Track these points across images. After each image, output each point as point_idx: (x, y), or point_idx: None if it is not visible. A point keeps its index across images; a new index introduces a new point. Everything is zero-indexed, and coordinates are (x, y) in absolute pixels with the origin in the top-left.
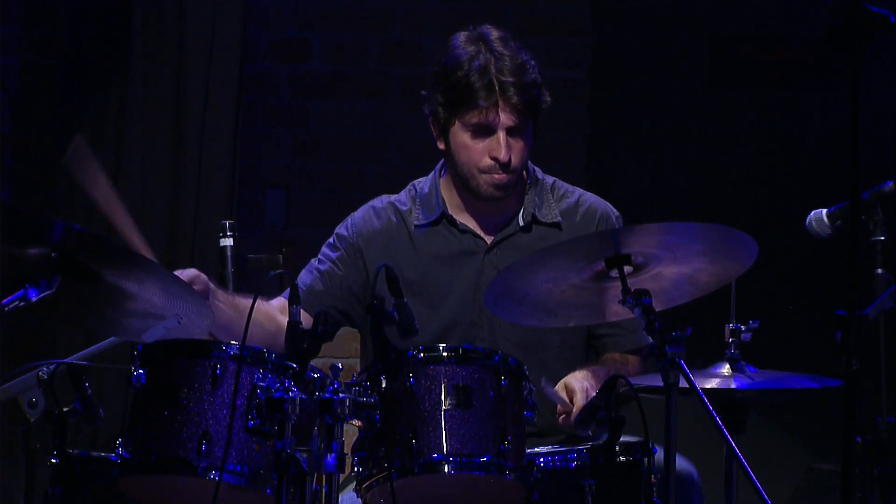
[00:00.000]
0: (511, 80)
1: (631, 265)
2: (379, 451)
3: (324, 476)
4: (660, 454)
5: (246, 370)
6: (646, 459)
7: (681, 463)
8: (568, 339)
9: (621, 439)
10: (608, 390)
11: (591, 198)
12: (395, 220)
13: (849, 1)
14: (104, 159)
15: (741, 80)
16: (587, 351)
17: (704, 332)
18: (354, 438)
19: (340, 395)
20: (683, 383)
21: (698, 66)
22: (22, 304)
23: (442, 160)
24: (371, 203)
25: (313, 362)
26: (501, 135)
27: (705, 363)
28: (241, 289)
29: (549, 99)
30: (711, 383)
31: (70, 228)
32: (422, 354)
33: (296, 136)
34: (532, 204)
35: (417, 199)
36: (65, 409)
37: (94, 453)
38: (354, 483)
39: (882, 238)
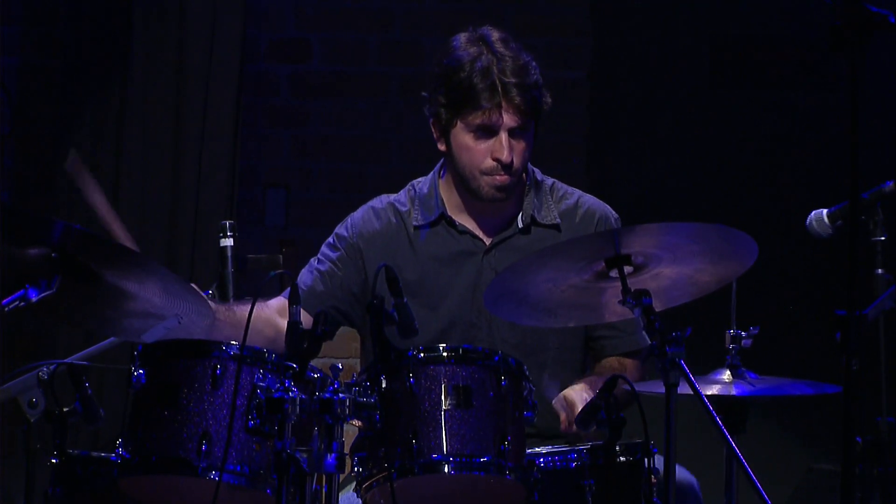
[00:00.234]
0: (514, 80)
1: (631, 265)
2: (379, 452)
3: (324, 476)
4: (659, 455)
5: (246, 370)
6: (646, 460)
7: (682, 474)
8: (566, 341)
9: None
10: (608, 390)
11: (590, 199)
12: (394, 220)
13: (849, 1)
14: (104, 159)
15: (741, 80)
16: (585, 352)
17: (705, 338)
18: (354, 438)
19: (340, 395)
20: (683, 386)
21: (698, 66)
22: (22, 304)
23: (441, 160)
24: (370, 203)
25: (313, 362)
26: (504, 136)
27: (706, 369)
28: (241, 289)
29: (550, 100)
30: (712, 390)
31: (70, 228)
32: (422, 354)
33: (296, 136)
34: (531, 205)
35: (416, 200)
36: (65, 409)
37: (94, 453)
38: (354, 483)
39: (882, 238)
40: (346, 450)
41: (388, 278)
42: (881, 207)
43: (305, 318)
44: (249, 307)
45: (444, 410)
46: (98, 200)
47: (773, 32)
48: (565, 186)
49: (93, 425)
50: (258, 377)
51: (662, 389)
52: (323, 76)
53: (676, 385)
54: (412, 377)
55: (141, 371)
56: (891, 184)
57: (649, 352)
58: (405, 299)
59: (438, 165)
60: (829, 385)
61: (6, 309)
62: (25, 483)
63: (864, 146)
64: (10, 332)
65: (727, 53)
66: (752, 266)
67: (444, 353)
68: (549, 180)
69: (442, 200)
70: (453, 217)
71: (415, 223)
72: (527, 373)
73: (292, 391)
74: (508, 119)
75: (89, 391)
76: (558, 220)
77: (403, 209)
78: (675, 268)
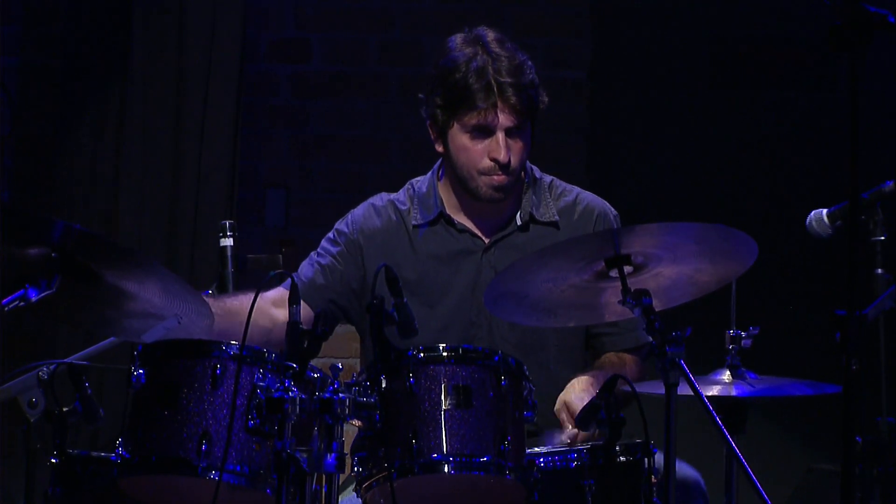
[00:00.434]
0: (509, 80)
1: (631, 265)
2: (379, 452)
3: (324, 476)
4: (660, 455)
5: (246, 370)
6: (646, 460)
7: (687, 470)
8: (566, 340)
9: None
10: (608, 389)
11: (588, 196)
12: (394, 218)
13: (849, 1)
14: (104, 160)
15: (741, 81)
16: (585, 351)
17: (705, 338)
18: (354, 438)
19: (340, 395)
20: (683, 386)
21: (698, 66)
22: (22, 304)
23: (439, 160)
24: (371, 200)
25: (313, 362)
26: (500, 136)
27: (706, 370)
28: (241, 289)
29: (546, 99)
30: (712, 390)
31: (70, 228)
32: (422, 354)
33: (296, 136)
34: (530, 203)
35: (415, 199)
36: (65, 409)
37: (94, 453)
38: (354, 483)
39: (882, 238)
40: (346, 450)
41: (387, 278)
42: (881, 207)
43: (305, 309)
44: (240, 298)
45: (444, 410)
46: None
47: (773, 32)
48: (564, 184)
49: (93, 425)
50: (258, 377)
51: (662, 389)
52: (323, 76)
53: (676, 385)
54: (412, 377)
55: (141, 371)
56: (891, 184)
57: (649, 351)
58: (405, 299)
59: (437, 165)
60: (828, 385)
61: (6, 309)
62: (25, 483)
63: (864, 146)
64: (10, 332)
65: (727, 53)
66: (752, 266)
67: (444, 353)
68: (548, 178)
69: (441, 200)
70: (452, 216)
71: (414, 222)
72: (527, 373)
73: (292, 391)
74: (504, 119)
75: (89, 391)
76: (557, 218)
77: (403, 208)
78: (675, 268)
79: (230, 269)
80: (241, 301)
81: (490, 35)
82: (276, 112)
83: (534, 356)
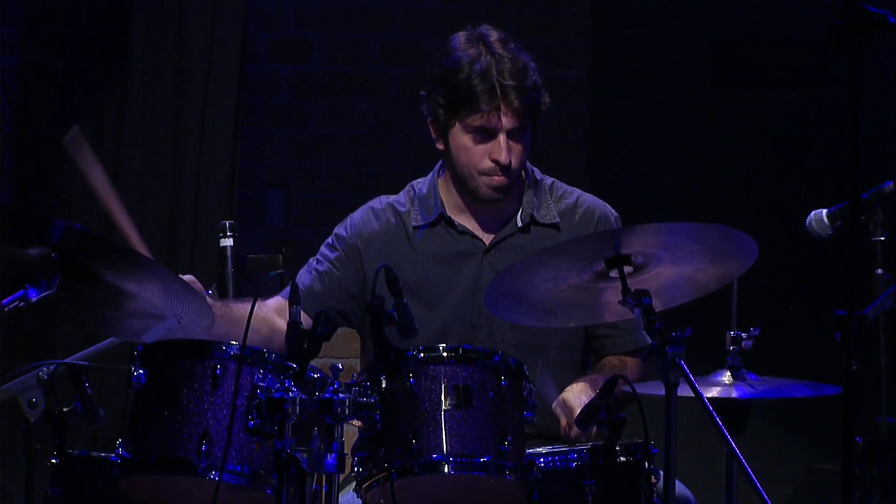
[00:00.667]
0: (513, 83)
1: (631, 265)
2: (379, 452)
3: (324, 476)
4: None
5: (246, 370)
6: (646, 461)
7: (680, 488)
8: (566, 341)
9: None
10: (608, 390)
11: (589, 198)
12: (393, 221)
13: (849, 1)
14: (104, 160)
15: (741, 80)
16: (586, 352)
17: (705, 339)
18: (354, 438)
19: (340, 395)
20: (683, 387)
21: (698, 66)
22: (22, 304)
23: (440, 161)
24: (370, 204)
25: (313, 362)
26: (502, 138)
27: (706, 371)
28: (241, 289)
29: (548, 101)
30: (713, 392)
31: (70, 228)
32: (422, 355)
33: (296, 136)
34: (530, 204)
35: (416, 201)
36: (65, 409)
37: (94, 453)
38: (354, 483)
39: (882, 238)
40: (346, 450)
41: (387, 279)
42: (881, 207)
43: (304, 319)
44: (247, 306)
45: (444, 410)
46: (98, 181)
47: (773, 32)
48: (564, 186)
49: (93, 425)
50: (258, 377)
51: (662, 390)
52: (323, 76)
53: (676, 385)
54: (412, 377)
55: (141, 371)
56: (891, 184)
57: (650, 351)
58: (405, 299)
59: (437, 166)
60: (829, 387)
61: (6, 309)
62: (25, 483)
63: (864, 146)
64: (10, 332)
65: (727, 53)
66: (752, 266)
67: (444, 354)
68: (549, 179)
69: (441, 201)
70: (452, 217)
71: (414, 223)
72: (527, 373)
73: (292, 391)
74: (507, 121)
75: (89, 391)
76: (557, 220)
77: (403, 210)
78: (675, 268)
79: (230, 269)
80: (248, 310)
81: (494, 35)
82: (276, 112)
83: (534, 357)
